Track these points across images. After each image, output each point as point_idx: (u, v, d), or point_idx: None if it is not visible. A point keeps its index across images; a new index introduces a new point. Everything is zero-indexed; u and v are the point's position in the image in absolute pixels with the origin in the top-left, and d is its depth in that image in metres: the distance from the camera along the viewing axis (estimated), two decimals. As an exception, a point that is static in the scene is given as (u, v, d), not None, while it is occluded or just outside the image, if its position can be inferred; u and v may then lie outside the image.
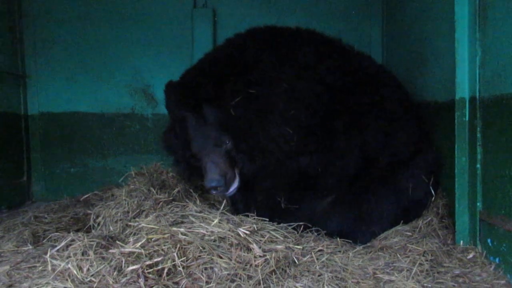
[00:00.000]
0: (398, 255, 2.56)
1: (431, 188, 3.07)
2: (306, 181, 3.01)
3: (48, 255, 2.25)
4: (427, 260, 2.48)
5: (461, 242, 2.73)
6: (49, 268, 2.17)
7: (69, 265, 2.13)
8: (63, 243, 2.34)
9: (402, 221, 3.03)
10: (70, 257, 2.20)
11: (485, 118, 2.58)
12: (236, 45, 3.18)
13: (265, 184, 3.06)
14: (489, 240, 2.53)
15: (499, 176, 2.42)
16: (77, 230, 2.90)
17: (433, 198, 3.11)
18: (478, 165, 2.63)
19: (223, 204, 2.85)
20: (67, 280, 2.06)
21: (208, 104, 2.88)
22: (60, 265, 2.14)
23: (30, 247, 2.74)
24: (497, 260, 2.45)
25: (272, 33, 3.32)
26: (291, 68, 3.03)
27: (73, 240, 2.35)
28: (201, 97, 2.88)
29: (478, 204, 2.63)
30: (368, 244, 2.89)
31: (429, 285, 2.23)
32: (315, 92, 3.00)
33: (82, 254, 2.23)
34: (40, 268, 2.32)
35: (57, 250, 2.31)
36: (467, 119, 2.69)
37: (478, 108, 2.63)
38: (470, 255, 2.60)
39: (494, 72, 2.47)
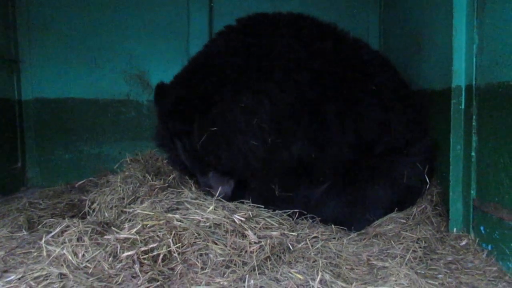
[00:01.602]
0: (392, 242, 2.58)
1: (425, 176, 3.08)
2: (300, 168, 3.02)
3: (43, 241, 2.25)
4: (420, 247, 2.50)
5: (454, 229, 2.75)
6: (44, 253, 2.17)
7: (64, 251, 2.13)
8: (58, 229, 2.34)
9: (396, 209, 3.05)
10: (65, 243, 2.21)
11: (481, 106, 2.58)
12: (210, 54, 3.24)
13: (259, 173, 3.07)
14: (482, 228, 2.56)
15: (493, 164, 2.43)
16: (72, 216, 2.90)
17: (428, 185, 3.13)
18: (473, 153, 2.64)
19: (218, 191, 2.85)
20: (62, 265, 2.07)
21: (182, 137, 3.07)
22: (55, 250, 2.15)
23: (25, 233, 2.74)
24: (489, 247, 2.48)
25: (257, 21, 3.31)
26: (266, 63, 3.03)
27: (68, 226, 2.36)
28: (176, 130, 3.07)
29: (472, 192, 2.65)
30: (363, 231, 2.91)
31: (422, 272, 2.25)
32: (297, 80, 3.00)
33: (77, 240, 2.24)
34: (35, 253, 2.32)
35: (52, 236, 2.31)
36: (463, 107, 2.69)
37: (474, 96, 2.63)
38: (463, 242, 2.63)
39: (491, 60, 2.46)
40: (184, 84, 3.09)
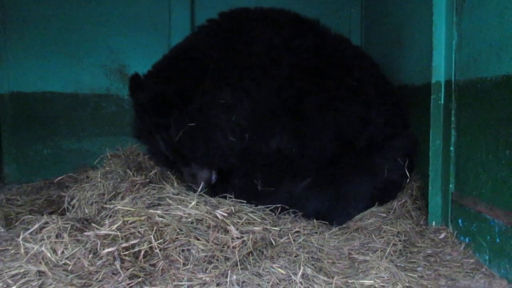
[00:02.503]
0: (373, 236, 2.62)
1: (406, 170, 3.13)
2: (282, 163, 3.03)
3: (20, 238, 2.20)
4: (400, 241, 2.54)
5: (433, 222, 2.80)
6: (22, 251, 2.13)
7: (43, 248, 2.09)
8: (36, 226, 2.29)
9: (377, 203, 3.09)
10: (43, 240, 2.16)
11: (459, 101, 2.63)
12: (191, 47, 3.20)
13: (241, 168, 3.07)
14: (460, 221, 2.61)
15: (471, 158, 2.48)
16: (51, 213, 2.85)
17: (408, 180, 3.17)
18: (452, 148, 2.68)
19: (200, 186, 2.84)
20: (40, 263, 2.03)
21: (160, 130, 3.04)
22: (33, 248, 2.10)
23: (2, 230, 2.68)
24: (467, 239, 2.53)
25: (239, 16, 3.29)
26: (245, 59, 3.02)
27: (46, 223, 2.31)
28: (153, 124, 3.04)
29: (450, 186, 2.70)
30: (344, 225, 2.94)
31: (402, 265, 2.29)
32: (276, 76, 3.00)
33: (56, 237, 2.19)
34: (13, 251, 2.27)
35: (30, 233, 2.26)
36: (442, 102, 2.74)
37: (453, 92, 2.67)
38: (442, 235, 2.68)
39: (470, 56, 2.50)
40: (163, 77, 3.04)
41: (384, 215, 2.96)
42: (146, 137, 3.24)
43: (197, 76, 2.95)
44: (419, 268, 2.29)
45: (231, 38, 3.12)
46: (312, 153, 3.03)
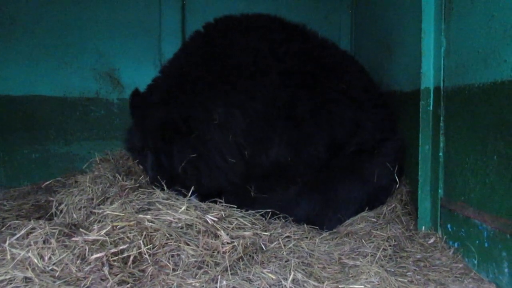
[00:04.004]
0: (363, 241, 2.62)
1: (395, 175, 3.15)
2: (277, 171, 3.03)
3: (7, 243, 2.16)
4: (390, 246, 2.56)
5: (423, 227, 2.82)
6: (8, 257, 2.08)
7: (30, 254, 2.05)
8: (23, 231, 2.26)
9: (367, 208, 3.10)
10: (30, 245, 2.12)
11: (448, 107, 2.66)
12: (182, 65, 3.17)
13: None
14: (449, 226, 2.63)
15: (460, 164, 2.50)
16: (39, 218, 2.81)
17: (397, 185, 3.19)
18: (441, 153, 2.71)
19: (190, 191, 2.82)
20: (27, 269, 1.99)
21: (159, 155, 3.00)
22: (19, 253, 2.07)
23: (-12, 235, 2.63)
24: (456, 244, 2.55)
25: (225, 27, 3.28)
26: (234, 72, 3.01)
27: (34, 228, 2.27)
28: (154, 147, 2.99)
29: (439, 191, 2.72)
30: (334, 230, 2.94)
31: (392, 270, 2.30)
32: (266, 84, 2.99)
33: (44, 242, 2.16)
34: (-1, 257, 2.23)
35: (17, 238, 2.22)
36: (431, 108, 2.76)
37: (442, 98, 2.70)
38: (431, 240, 2.70)
39: (458, 63, 2.53)
40: (163, 101, 3.01)
41: (374, 220, 2.97)
42: (139, 153, 3.20)
43: (192, 98, 2.93)
44: (409, 273, 2.30)
45: (218, 52, 3.11)
46: (306, 159, 3.04)
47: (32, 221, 2.38)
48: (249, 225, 2.57)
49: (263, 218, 2.81)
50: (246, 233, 2.44)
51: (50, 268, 2.03)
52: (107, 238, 2.16)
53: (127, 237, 2.20)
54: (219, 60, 3.08)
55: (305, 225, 2.85)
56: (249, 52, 3.09)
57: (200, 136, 2.87)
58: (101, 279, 1.99)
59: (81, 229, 2.32)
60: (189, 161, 2.85)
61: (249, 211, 2.78)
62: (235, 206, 2.74)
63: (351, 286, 2.06)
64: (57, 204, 2.89)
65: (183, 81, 3.04)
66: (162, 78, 3.21)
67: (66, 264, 2.04)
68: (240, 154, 2.89)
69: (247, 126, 2.91)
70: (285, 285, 2.03)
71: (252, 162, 2.96)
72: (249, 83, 2.98)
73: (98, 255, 2.06)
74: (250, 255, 2.31)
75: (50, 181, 3.60)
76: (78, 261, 2.05)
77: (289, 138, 2.99)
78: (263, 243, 2.44)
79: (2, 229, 2.73)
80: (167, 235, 2.24)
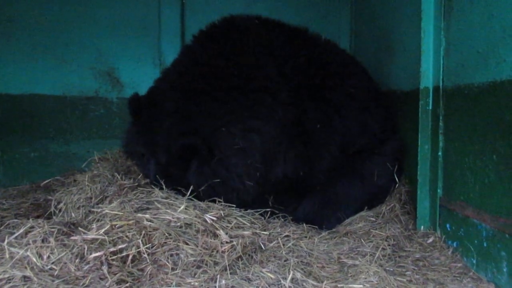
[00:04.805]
0: (362, 240, 2.62)
1: (395, 175, 3.15)
2: (289, 185, 3.03)
3: (5, 242, 2.16)
4: (389, 245, 2.56)
5: (422, 227, 2.82)
6: (7, 255, 2.08)
7: (28, 253, 2.05)
8: (21, 230, 2.25)
9: (366, 207, 3.10)
10: (29, 244, 2.12)
11: (447, 107, 2.66)
12: (188, 81, 2.99)
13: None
14: (448, 225, 2.63)
15: (459, 163, 2.50)
16: (37, 217, 2.81)
17: (397, 184, 3.19)
18: (440, 153, 2.71)
19: (189, 190, 2.82)
20: (26, 268, 1.99)
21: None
22: (18, 252, 2.06)
23: (-13, 234, 2.62)
24: (454, 244, 2.55)
25: (224, 33, 3.17)
26: (247, 93, 2.91)
27: (32, 227, 2.27)
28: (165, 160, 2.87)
29: (438, 190, 2.72)
30: (333, 229, 2.94)
31: (391, 269, 2.30)
32: (278, 105, 2.93)
33: (42, 241, 2.15)
34: (-3, 256, 2.23)
35: (16, 237, 2.22)
36: (430, 108, 2.76)
37: (441, 98, 2.70)
38: (430, 240, 2.70)
39: (457, 62, 2.53)
40: (174, 113, 2.88)
41: (373, 219, 2.97)
42: (141, 159, 3.11)
43: (209, 118, 2.83)
44: (408, 272, 2.30)
45: (220, 66, 2.99)
46: (317, 169, 3.04)
47: (31, 220, 2.38)
48: (248, 224, 2.57)
49: (262, 217, 2.81)
50: (245, 233, 2.44)
51: (49, 267, 2.02)
52: (106, 237, 2.16)
53: (126, 236, 2.20)
54: (228, 74, 2.97)
55: (304, 224, 2.85)
56: (256, 71, 3.00)
57: (221, 161, 2.80)
58: (100, 278, 1.99)
59: (80, 228, 2.32)
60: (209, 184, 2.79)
61: (248, 211, 2.78)
62: (234, 206, 2.73)
63: (350, 285, 2.06)
64: (56, 203, 2.89)
65: (193, 93, 2.92)
66: (166, 84, 3.07)
67: (65, 263, 2.04)
68: (256, 176, 2.86)
69: (263, 149, 2.87)
70: (284, 285, 2.02)
71: (264, 182, 2.93)
72: (263, 107, 2.91)
73: (97, 254, 2.06)
74: (249, 255, 2.31)
75: (49, 180, 3.60)
76: (77, 260, 2.05)
77: (302, 154, 2.98)
78: (262, 243, 2.44)
79: (1, 228, 2.71)
80: (166, 234, 2.24)
